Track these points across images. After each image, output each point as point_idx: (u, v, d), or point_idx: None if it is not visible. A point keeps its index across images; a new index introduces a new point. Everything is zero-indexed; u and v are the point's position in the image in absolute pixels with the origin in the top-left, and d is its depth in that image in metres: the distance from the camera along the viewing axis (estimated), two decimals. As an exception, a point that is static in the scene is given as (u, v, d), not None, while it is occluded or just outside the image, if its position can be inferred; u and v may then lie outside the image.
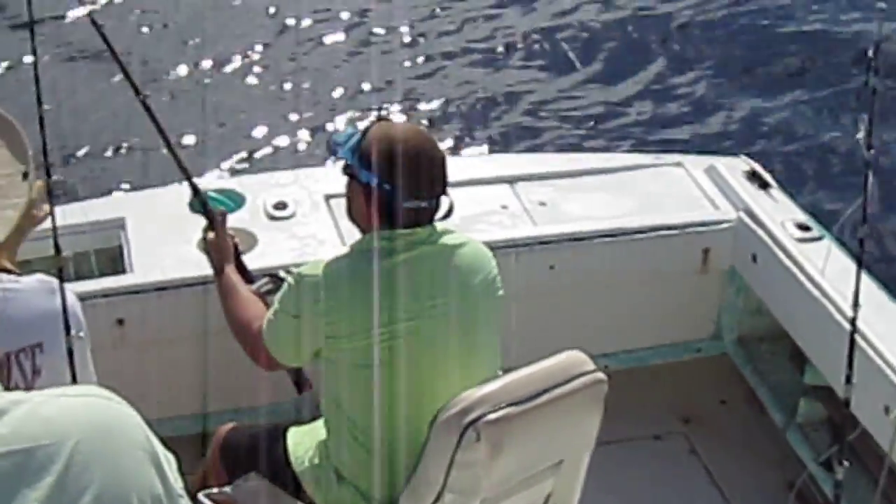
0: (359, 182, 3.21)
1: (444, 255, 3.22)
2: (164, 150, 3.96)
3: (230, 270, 3.68)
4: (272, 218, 4.35)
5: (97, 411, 1.56)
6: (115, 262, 4.21)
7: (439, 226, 3.25)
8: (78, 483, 1.47)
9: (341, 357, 3.18)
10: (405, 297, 3.15)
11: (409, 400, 3.17)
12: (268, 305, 3.51)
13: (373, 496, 3.25)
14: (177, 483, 1.61)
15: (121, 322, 3.97)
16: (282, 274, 3.71)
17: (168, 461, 1.62)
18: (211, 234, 3.75)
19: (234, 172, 7.38)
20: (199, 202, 3.83)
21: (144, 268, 4.09)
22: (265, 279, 3.70)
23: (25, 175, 2.45)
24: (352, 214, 3.32)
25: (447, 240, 3.23)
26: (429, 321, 3.17)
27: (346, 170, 3.26)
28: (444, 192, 3.22)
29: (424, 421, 3.06)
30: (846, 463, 2.98)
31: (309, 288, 3.19)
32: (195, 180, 3.89)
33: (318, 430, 3.42)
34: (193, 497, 3.25)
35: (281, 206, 4.40)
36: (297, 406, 3.74)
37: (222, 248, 3.73)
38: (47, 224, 2.68)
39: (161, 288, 4.02)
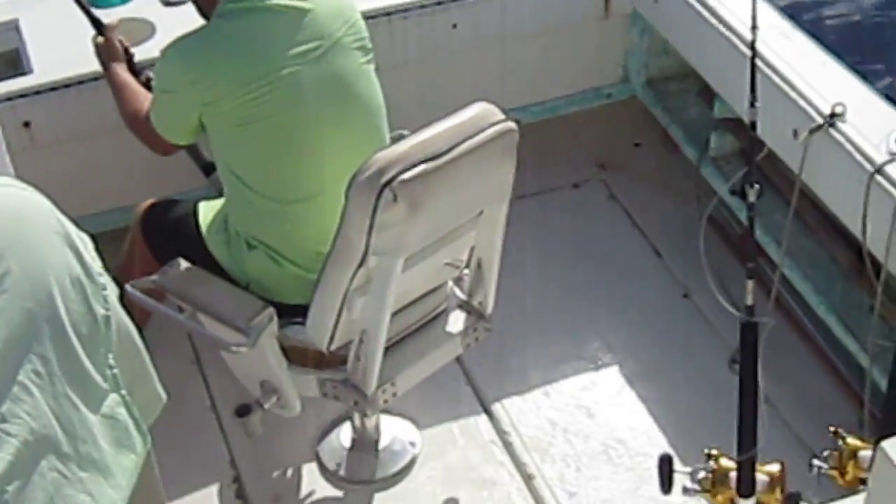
0: None
1: (302, 6, 3.27)
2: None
3: (119, 69, 3.71)
4: (168, 4, 4.27)
5: (5, 200, 1.54)
6: (14, 64, 4.13)
7: None
8: None
9: (222, 121, 3.25)
10: (271, 51, 3.22)
11: (296, 152, 3.27)
12: None
13: (285, 255, 3.32)
14: (94, 262, 1.61)
15: (27, 125, 3.92)
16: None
17: (83, 241, 1.61)
18: (100, 39, 3.75)
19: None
20: (81, 8, 3.77)
21: (45, 67, 4.01)
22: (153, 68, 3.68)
23: None
24: None
25: None
26: (299, 68, 3.23)
27: None
28: None
29: (315, 171, 3.19)
30: (756, 186, 3.04)
31: (175, 61, 3.28)
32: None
33: (223, 201, 3.48)
34: (121, 287, 3.28)
35: (176, -9, 4.32)
36: (208, 189, 3.76)
37: (112, 53, 3.74)
38: None
39: (65, 86, 3.96)
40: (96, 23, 3.77)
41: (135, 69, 3.74)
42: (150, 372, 1.75)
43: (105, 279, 1.60)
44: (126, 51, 3.76)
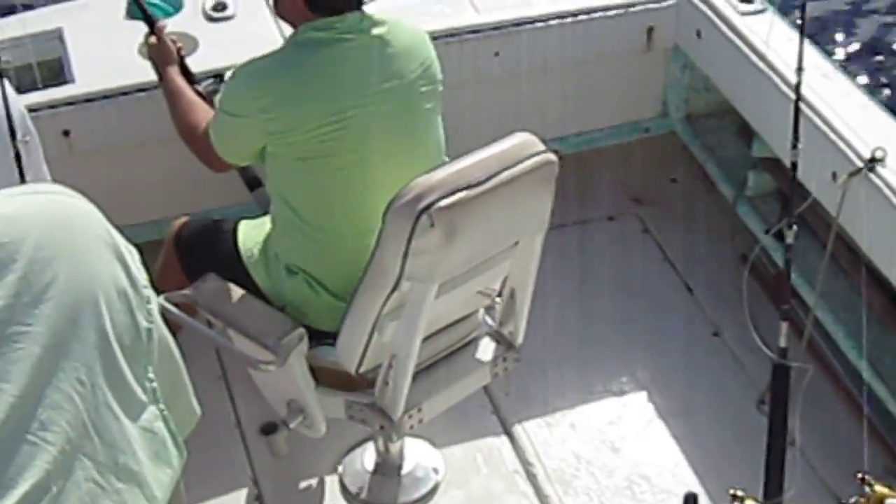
0: None
1: (381, 41, 3.22)
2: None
3: (174, 74, 3.65)
4: (211, 20, 4.29)
5: (56, 207, 1.55)
6: (57, 73, 4.16)
7: (370, 11, 3.25)
8: (41, 279, 1.47)
9: (286, 152, 3.20)
10: (345, 87, 3.17)
11: (355, 188, 3.22)
12: (213, 106, 3.49)
13: (324, 284, 3.30)
14: (140, 274, 1.61)
15: (67, 133, 3.94)
16: (227, 75, 3.68)
17: (130, 253, 1.61)
18: (153, 39, 3.71)
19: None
20: (138, 7, 3.76)
21: (87, 77, 4.04)
22: (210, 80, 3.68)
23: None
24: (279, 10, 3.33)
25: (380, 25, 3.24)
26: (370, 109, 3.19)
27: None
28: None
29: (371, 208, 3.09)
30: (794, 227, 3.03)
31: (246, 86, 3.21)
32: (131, -16, 3.82)
33: (266, 223, 3.47)
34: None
35: (220, 6, 4.34)
36: (250, 206, 3.75)
37: (165, 53, 3.68)
38: None
39: (106, 96, 3.98)
40: (150, 21, 3.72)
41: (188, 72, 3.70)
42: (186, 386, 1.75)
43: (149, 292, 1.61)
44: (179, 52, 3.72)
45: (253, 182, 3.75)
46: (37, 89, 4.01)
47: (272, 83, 3.17)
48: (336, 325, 3.21)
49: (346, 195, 3.22)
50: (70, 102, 3.96)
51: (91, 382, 1.48)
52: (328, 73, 3.17)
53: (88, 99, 3.97)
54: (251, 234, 3.48)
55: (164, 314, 2.30)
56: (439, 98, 3.35)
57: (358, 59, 3.19)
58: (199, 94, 3.62)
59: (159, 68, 3.68)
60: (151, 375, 1.58)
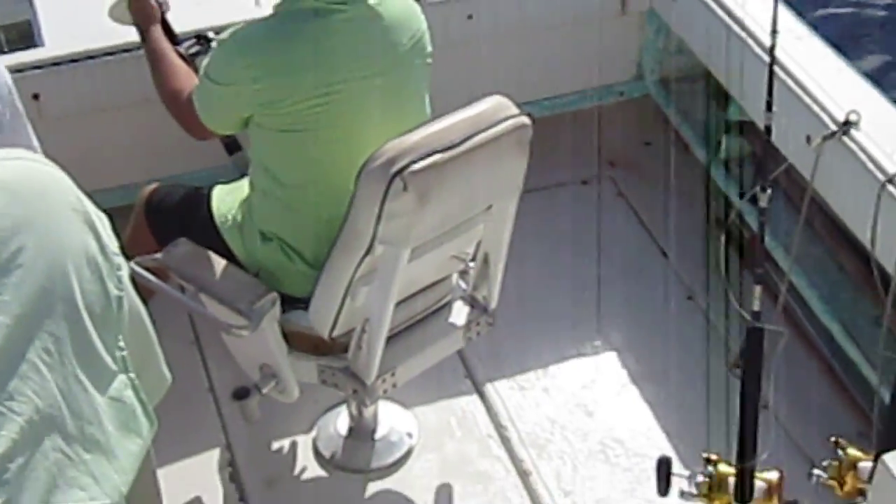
0: None
1: (373, 13, 3.16)
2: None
3: (157, 34, 3.56)
4: None
5: (26, 174, 1.53)
6: (25, 36, 4.11)
7: None
8: (8, 247, 1.45)
9: (273, 122, 3.14)
10: (337, 59, 3.10)
11: (340, 161, 3.17)
12: (196, 69, 3.45)
13: (300, 252, 3.28)
14: (111, 242, 1.60)
15: (36, 97, 3.89)
16: (210, 35, 3.63)
17: (101, 220, 1.60)
18: None
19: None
20: None
21: (56, 40, 3.99)
22: (192, 40, 3.61)
23: None
24: None
25: None
26: (361, 82, 3.13)
27: None
28: None
29: (354, 180, 3.04)
30: (768, 191, 3.02)
31: (237, 54, 3.13)
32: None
33: (241, 188, 3.43)
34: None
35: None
36: (226, 169, 3.72)
37: (147, 11, 3.59)
38: None
39: (75, 60, 3.94)
40: None
41: (171, 31, 3.61)
42: (157, 353, 1.74)
43: (120, 259, 1.59)
44: (161, 7, 3.61)
45: (232, 146, 3.71)
46: (3, 52, 3.97)
47: (264, 52, 3.09)
48: (309, 292, 3.19)
49: (331, 167, 3.17)
50: (39, 66, 3.91)
51: (59, 352, 1.46)
52: (320, 45, 3.10)
53: (57, 62, 3.93)
54: (226, 199, 3.45)
55: (136, 279, 2.30)
56: (429, 71, 3.32)
57: (350, 31, 3.12)
58: (180, 55, 3.55)
59: (141, 27, 3.59)
60: (122, 344, 1.57)
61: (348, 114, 3.13)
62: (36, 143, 2.35)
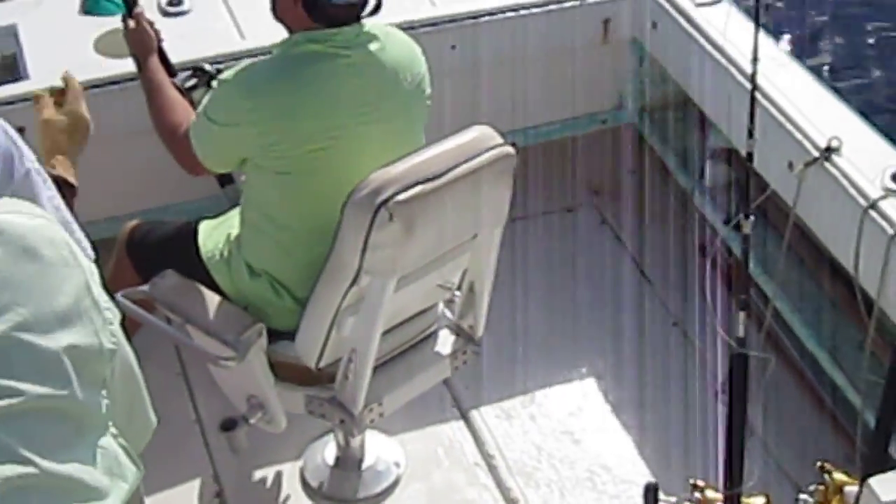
0: None
1: (375, 59, 3.15)
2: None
3: (154, 65, 3.51)
4: (166, 14, 4.26)
5: (20, 232, 1.53)
6: (11, 69, 4.12)
7: (365, 22, 3.17)
8: None
9: (271, 164, 3.12)
10: (339, 105, 3.10)
11: (336, 203, 3.09)
12: (192, 102, 3.43)
13: (289, 288, 3.27)
14: (101, 295, 1.60)
15: (22, 130, 3.88)
16: (207, 67, 3.62)
17: (93, 274, 1.60)
18: (132, 24, 3.56)
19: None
20: None
21: (41, 73, 3.99)
22: (188, 73, 3.60)
23: None
24: (277, 13, 3.20)
25: (375, 41, 3.16)
26: (361, 127, 3.13)
27: None
28: None
29: None
30: (752, 218, 3.04)
31: (240, 96, 3.10)
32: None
33: (228, 222, 3.43)
34: (112, 298, 3.26)
35: (175, 1, 4.31)
36: (216, 200, 3.72)
37: (144, 40, 3.53)
38: None
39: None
40: (129, 4, 3.57)
41: (167, 61, 3.57)
42: (144, 399, 1.74)
43: (111, 313, 1.59)
44: (157, 36, 3.56)
45: (224, 178, 3.70)
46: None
47: (267, 95, 3.07)
48: (296, 326, 3.20)
49: (327, 209, 3.08)
50: (25, 99, 3.92)
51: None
52: (323, 90, 3.08)
53: None
54: (212, 234, 3.44)
55: (123, 311, 2.31)
56: (427, 111, 3.31)
57: (352, 76, 3.11)
58: (177, 87, 3.51)
59: (138, 57, 3.54)
60: (104, 393, 1.57)
61: (347, 158, 3.11)
62: (45, 197, 2.30)
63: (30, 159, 2.26)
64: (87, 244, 2.15)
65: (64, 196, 2.34)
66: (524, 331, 4.24)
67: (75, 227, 2.26)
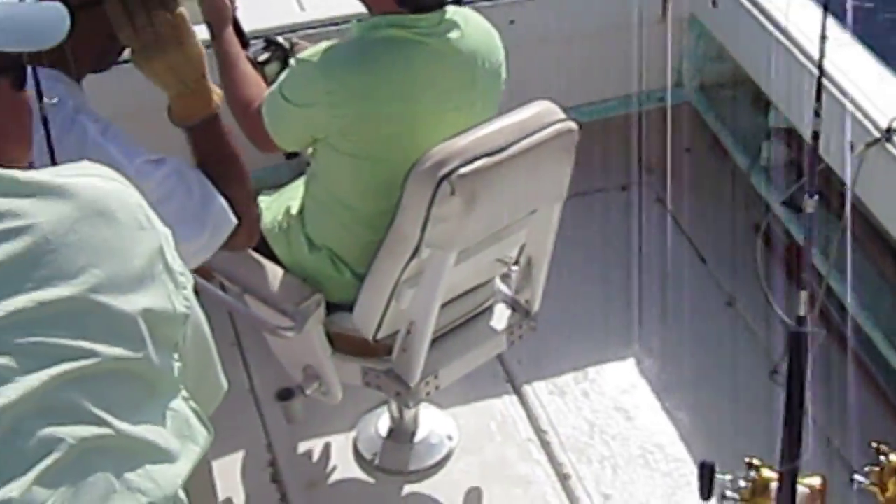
0: None
1: (454, 48, 3.11)
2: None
3: (230, 36, 3.38)
4: None
5: (92, 193, 1.54)
6: None
7: (447, 8, 3.13)
8: (76, 263, 1.47)
9: (344, 146, 3.09)
10: (416, 91, 3.07)
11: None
12: (265, 77, 3.39)
13: (349, 263, 3.27)
14: (175, 261, 1.61)
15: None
16: (280, 40, 3.56)
17: (166, 238, 1.61)
18: None
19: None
20: None
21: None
22: (261, 45, 3.54)
23: None
24: None
25: (455, 29, 3.12)
26: (437, 115, 3.10)
27: None
28: None
29: None
30: (815, 196, 3.01)
31: (318, 77, 3.05)
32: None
33: (288, 193, 3.44)
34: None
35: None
36: (278, 169, 3.71)
37: (220, 10, 3.38)
38: None
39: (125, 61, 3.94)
40: None
41: (241, 32, 3.42)
42: (216, 363, 1.76)
43: (185, 277, 1.61)
44: (233, 3, 3.41)
45: (291, 152, 3.68)
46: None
47: (345, 78, 3.03)
48: (354, 299, 3.21)
49: (394, 192, 3.06)
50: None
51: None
52: (401, 76, 3.04)
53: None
54: (272, 206, 3.44)
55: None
56: (500, 97, 3.27)
57: (431, 63, 3.07)
58: (249, 61, 3.41)
59: (213, 27, 3.37)
60: (176, 356, 1.59)
61: (421, 144, 3.05)
62: (127, 156, 2.31)
63: (104, 123, 2.28)
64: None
65: None
66: (578, 307, 4.24)
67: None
